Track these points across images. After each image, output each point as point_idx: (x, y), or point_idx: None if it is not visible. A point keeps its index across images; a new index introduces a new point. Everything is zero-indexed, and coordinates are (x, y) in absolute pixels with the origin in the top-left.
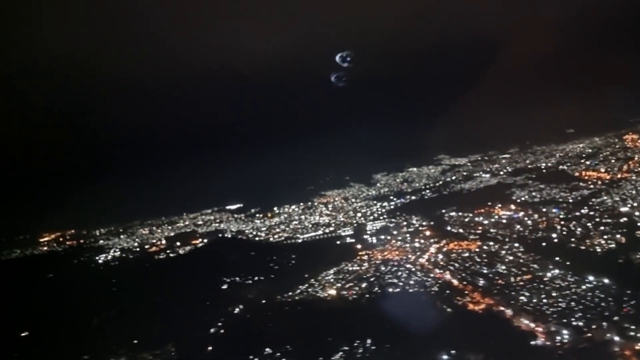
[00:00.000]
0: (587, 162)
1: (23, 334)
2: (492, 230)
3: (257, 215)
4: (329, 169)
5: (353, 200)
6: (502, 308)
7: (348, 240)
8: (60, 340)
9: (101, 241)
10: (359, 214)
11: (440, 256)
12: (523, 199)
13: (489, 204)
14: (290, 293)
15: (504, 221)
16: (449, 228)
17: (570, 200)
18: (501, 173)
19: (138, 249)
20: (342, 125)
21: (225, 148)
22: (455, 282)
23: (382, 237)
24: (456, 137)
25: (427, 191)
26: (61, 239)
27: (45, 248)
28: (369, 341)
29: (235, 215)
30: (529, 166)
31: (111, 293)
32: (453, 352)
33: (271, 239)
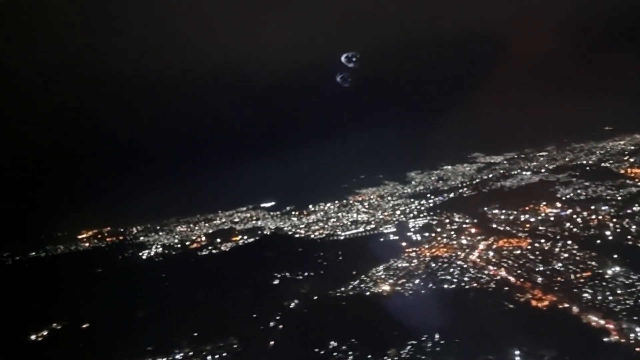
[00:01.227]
0: (632, 159)
1: (84, 326)
2: (540, 227)
3: (293, 212)
4: (361, 167)
5: (389, 198)
6: (567, 305)
7: (391, 237)
8: (120, 333)
9: (141, 238)
10: (397, 212)
11: (491, 253)
12: (568, 196)
13: (534, 201)
14: (342, 289)
15: (552, 219)
16: (494, 225)
17: (619, 198)
18: (542, 171)
19: (179, 246)
20: (372, 124)
21: (257, 146)
22: (512, 279)
23: (426, 234)
24: (489, 135)
25: (465, 189)
26: (100, 236)
27: (87, 244)
28: (437, 336)
29: (271, 213)
30: (570, 164)
31: (162, 287)
32: (525, 348)
33: (312, 236)
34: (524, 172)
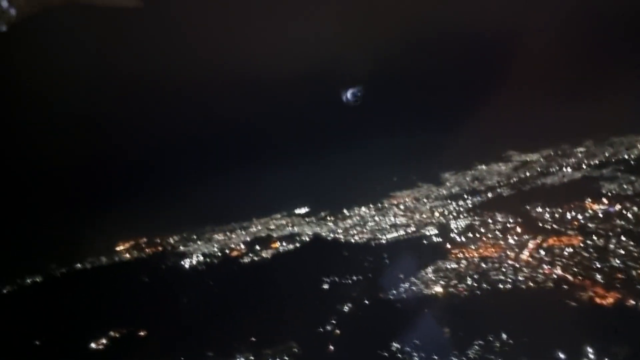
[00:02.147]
0: None
1: (141, 333)
2: (590, 224)
3: (329, 218)
4: (393, 170)
5: (425, 200)
6: (632, 302)
7: (435, 239)
8: (178, 340)
9: (181, 247)
10: (436, 214)
11: (543, 252)
12: (615, 192)
13: (578, 198)
14: (394, 291)
15: (601, 215)
16: (540, 224)
17: None
18: (583, 166)
19: (219, 254)
20: (401, 126)
21: (288, 153)
22: (569, 277)
23: (470, 235)
24: (523, 132)
25: (504, 188)
26: (138, 247)
27: (128, 255)
28: (504, 335)
29: (307, 219)
30: (612, 158)
31: (211, 295)
32: (597, 345)
33: (352, 240)
34: (564, 169)
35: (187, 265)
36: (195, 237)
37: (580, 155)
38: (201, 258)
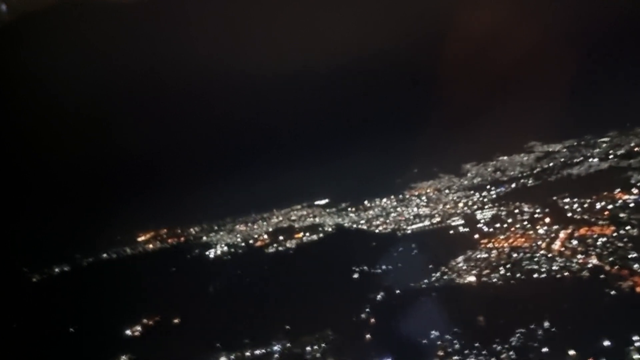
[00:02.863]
0: None
1: (176, 321)
2: (621, 214)
3: (350, 209)
4: (412, 161)
5: (447, 191)
6: None
7: (461, 229)
8: (213, 327)
9: (204, 238)
10: (460, 204)
11: (575, 242)
12: None
13: (607, 188)
14: (425, 280)
15: (632, 205)
16: (569, 214)
17: None
18: (610, 157)
19: (243, 244)
20: (419, 117)
21: (306, 144)
22: (606, 266)
23: (497, 225)
24: (544, 123)
25: (528, 179)
26: (159, 238)
27: (151, 245)
28: (546, 324)
29: (327, 210)
30: (638, 149)
31: (240, 284)
32: None
33: (377, 231)
34: (590, 159)
35: (212, 255)
36: (216, 228)
37: (604, 145)
38: (225, 248)
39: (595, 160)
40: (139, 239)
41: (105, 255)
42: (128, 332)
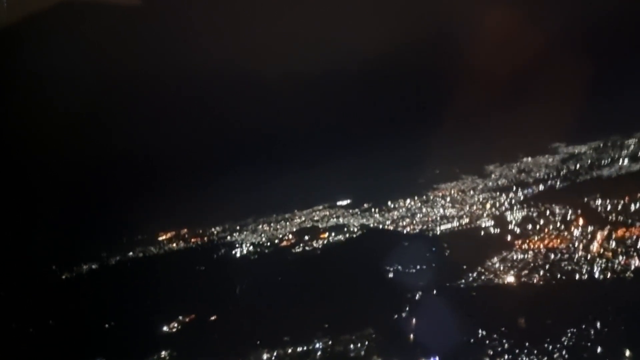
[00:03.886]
0: None
1: (212, 318)
2: None
3: (373, 210)
4: (434, 161)
5: (471, 192)
6: None
7: (492, 230)
8: (251, 325)
9: (228, 237)
10: (487, 205)
11: (613, 243)
12: None
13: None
14: (462, 280)
15: None
16: (603, 216)
17: None
18: None
19: (269, 244)
20: (439, 117)
21: (325, 144)
22: None
23: (530, 226)
24: (569, 124)
25: (555, 180)
26: (181, 238)
27: (174, 245)
28: (598, 324)
29: (350, 211)
30: None
31: (272, 282)
32: None
33: (404, 232)
34: (619, 161)
35: (238, 255)
36: (238, 228)
37: (632, 147)
38: (251, 248)
39: (625, 161)
40: (160, 239)
41: (131, 253)
42: (165, 328)
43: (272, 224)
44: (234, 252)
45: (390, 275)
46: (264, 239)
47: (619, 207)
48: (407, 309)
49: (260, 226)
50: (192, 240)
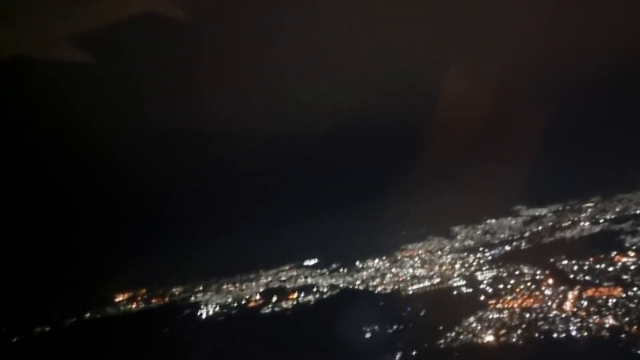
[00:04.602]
0: None
1: None
2: (624, 276)
3: (341, 270)
4: (399, 224)
5: (439, 253)
6: None
7: (464, 290)
8: None
9: (192, 298)
10: (457, 265)
11: (585, 302)
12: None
13: (603, 251)
14: (442, 340)
15: (633, 267)
16: (572, 276)
17: None
18: (600, 221)
19: (236, 305)
20: (404, 181)
21: (291, 204)
22: (625, 327)
23: (501, 286)
24: (527, 187)
25: (520, 242)
26: (140, 298)
27: (134, 306)
28: None
29: (318, 271)
30: (625, 214)
31: (245, 344)
32: None
33: (375, 292)
34: (581, 223)
35: (204, 316)
36: (201, 288)
37: (590, 210)
38: (218, 309)
39: (587, 224)
40: (117, 300)
41: (87, 315)
42: None
43: (237, 284)
44: (199, 313)
45: (368, 335)
46: (230, 300)
47: (585, 268)
48: None
49: (225, 286)
50: (153, 301)
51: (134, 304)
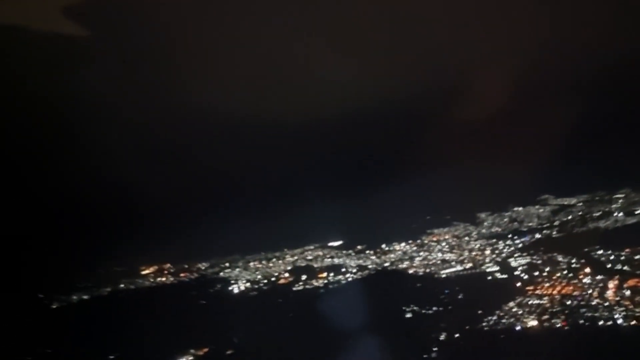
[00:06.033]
0: None
1: (228, 352)
2: None
3: (367, 251)
4: (425, 208)
5: (466, 238)
6: None
7: (499, 275)
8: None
9: (221, 274)
10: (487, 251)
11: (628, 292)
12: None
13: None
14: (484, 323)
15: None
16: (609, 266)
17: None
18: (635, 212)
19: (265, 281)
20: (431, 165)
21: (317, 185)
22: None
23: (537, 273)
24: (555, 177)
25: (550, 230)
26: (166, 272)
27: (163, 279)
28: None
29: (344, 252)
30: None
31: (281, 319)
32: None
33: (408, 273)
34: (614, 214)
35: (236, 291)
36: (227, 264)
37: (621, 201)
38: (248, 285)
39: (620, 214)
40: (142, 272)
41: (122, 285)
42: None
43: (264, 262)
44: (230, 288)
45: (409, 315)
46: (259, 277)
47: (622, 258)
48: (436, 349)
49: (251, 263)
50: (182, 275)
51: (163, 277)
